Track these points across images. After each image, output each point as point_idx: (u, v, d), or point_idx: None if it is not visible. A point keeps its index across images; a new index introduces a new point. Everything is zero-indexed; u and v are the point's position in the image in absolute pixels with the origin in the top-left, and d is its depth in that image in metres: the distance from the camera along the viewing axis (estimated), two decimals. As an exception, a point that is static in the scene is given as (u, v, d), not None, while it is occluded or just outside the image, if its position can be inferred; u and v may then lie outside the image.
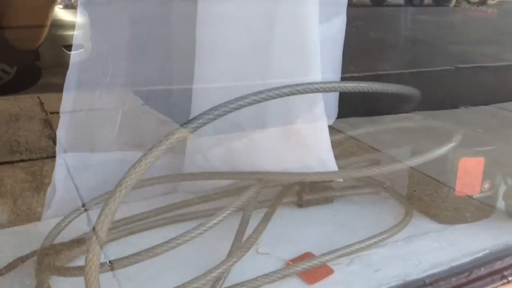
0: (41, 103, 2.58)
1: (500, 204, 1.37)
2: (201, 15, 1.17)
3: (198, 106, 1.22)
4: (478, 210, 1.33)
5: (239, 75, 1.18)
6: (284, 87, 0.97)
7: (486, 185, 1.30)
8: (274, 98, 0.96)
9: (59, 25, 1.51)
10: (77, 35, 1.22)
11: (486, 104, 2.30)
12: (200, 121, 0.88)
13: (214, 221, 1.10)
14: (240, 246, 1.16)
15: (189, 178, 1.34)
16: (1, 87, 3.22)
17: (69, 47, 1.22)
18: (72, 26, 1.21)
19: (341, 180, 1.34)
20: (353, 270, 1.15)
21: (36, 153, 1.85)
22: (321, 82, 1.06)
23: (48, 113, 2.38)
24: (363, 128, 1.84)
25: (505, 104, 2.25)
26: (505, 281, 1.14)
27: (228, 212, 1.13)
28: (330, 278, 1.12)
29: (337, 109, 1.48)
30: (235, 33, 1.19)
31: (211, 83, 1.18)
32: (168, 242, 1.04)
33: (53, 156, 1.31)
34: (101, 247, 0.84)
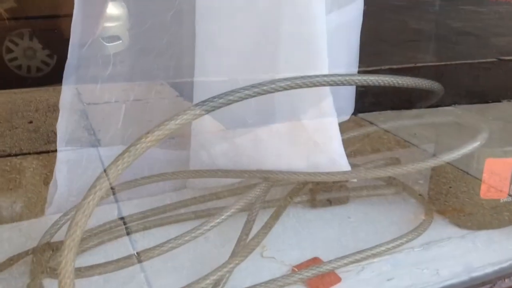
0: (79, 94, 2.60)
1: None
2: (199, 7, 1.10)
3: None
4: (507, 215, 1.22)
5: (240, 69, 1.10)
6: (281, 80, 0.89)
7: (515, 188, 1.19)
8: (270, 92, 0.89)
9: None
10: (114, 27, 1.18)
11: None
12: (185, 116, 0.81)
13: (212, 224, 1.04)
14: (242, 248, 1.09)
15: (194, 176, 1.27)
16: (41, 78, 3.28)
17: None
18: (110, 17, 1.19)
19: (355, 180, 1.25)
20: (363, 278, 1.06)
21: (71, 144, 1.87)
22: (324, 75, 0.97)
23: (85, 104, 2.40)
24: (394, 121, 1.74)
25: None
26: (532, 295, 1.04)
27: (229, 213, 1.07)
28: (337, 286, 1.04)
29: (353, 105, 1.39)
30: (235, 26, 1.12)
31: (212, 76, 1.11)
32: (160, 245, 0.99)
33: (87, 147, 1.33)
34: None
